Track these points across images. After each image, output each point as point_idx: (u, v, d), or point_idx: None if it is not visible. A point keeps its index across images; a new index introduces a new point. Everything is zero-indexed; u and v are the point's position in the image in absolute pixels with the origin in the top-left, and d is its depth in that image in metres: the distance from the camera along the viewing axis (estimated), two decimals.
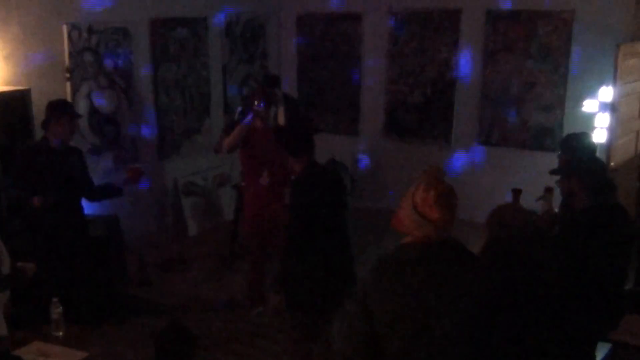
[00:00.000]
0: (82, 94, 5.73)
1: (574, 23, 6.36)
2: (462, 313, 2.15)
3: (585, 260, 3.18)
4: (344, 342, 2.29)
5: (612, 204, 3.43)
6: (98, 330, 4.73)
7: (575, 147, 4.34)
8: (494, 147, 6.96)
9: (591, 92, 6.28)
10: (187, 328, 2.87)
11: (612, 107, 5.81)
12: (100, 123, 5.92)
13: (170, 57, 6.53)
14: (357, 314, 2.26)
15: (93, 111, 5.84)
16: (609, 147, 5.75)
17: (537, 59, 6.58)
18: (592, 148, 4.45)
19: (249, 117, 4.88)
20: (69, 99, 5.57)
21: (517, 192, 4.51)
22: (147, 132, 6.41)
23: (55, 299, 4.19)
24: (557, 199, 3.96)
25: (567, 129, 6.14)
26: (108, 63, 5.91)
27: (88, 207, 5.46)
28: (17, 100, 4.99)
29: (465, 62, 6.97)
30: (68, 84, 5.57)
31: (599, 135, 5.85)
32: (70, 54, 5.54)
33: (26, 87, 5.10)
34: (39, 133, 4.80)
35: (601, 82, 6.12)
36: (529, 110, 6.71)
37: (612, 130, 5.77)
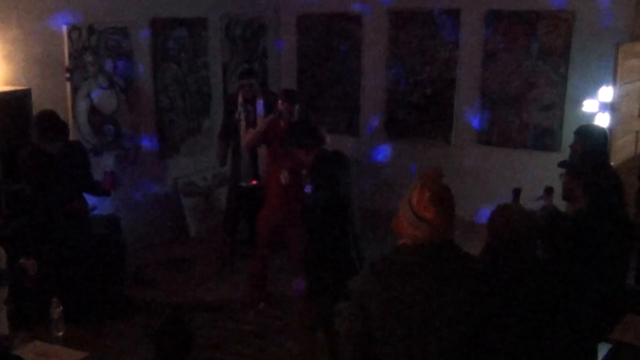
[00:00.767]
0: (82, 94, 5.73)
1: (574, 23, 6.36)
2: (458, 316, 2.14)
3: (583, 261, 3.18)
4: (344, 342, 2.30)
5: (610, 205, 3.43)
6: (98, 330, 4.73)
7: (583, 136, 4.39)
8: (494, 147, 6.96)
9: (591, 92, 6.28)
10: (185, 321, 2.87)
11: (612, 107, 5.81)
12: (100, 123, 5.92)
13: (170, 57, 6.53)
14: (354, 315, 2.27)
15: (93, 111, 5.84)
16: (609, 147, 5.74)
17: (537, 59, 6.59)
18: (603, 138, 4.50)
19: (270, 116, 5.15)
20: (69, 99, 5.58)
21: (517, 192, 4.51)
22: (147, 132, 6.41)
23: (55, 299, 4.19)
24: (557, 198, 3.95)
25: (567, 129, 6.14)
26: (108, 63, 5.90)
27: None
28: (17, 100, 4.99)
29: (465, 62, 6.97)
30: (68, 84, 5.57)
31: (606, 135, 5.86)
32: (70, 54, 5.54)
33: (26, 87, 5.10)
34: None
35: (601, 82, 6.12)
36: (529, 110, 6.72)
37: (612, 130, 5.77)
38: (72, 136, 5.62)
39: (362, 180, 7.64)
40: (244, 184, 5.97)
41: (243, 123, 5.80)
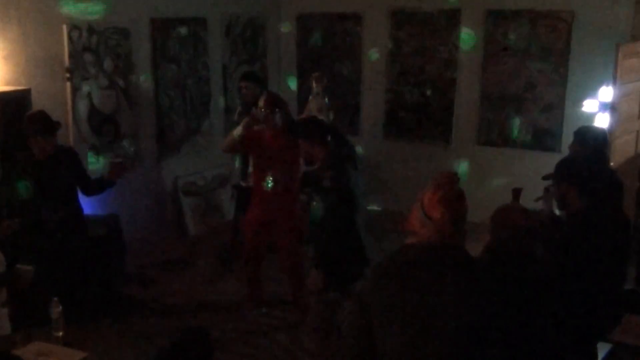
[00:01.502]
0: (82, 94, 5.73)
1: (574, 23, 6.36)
2: (458, 316, 2.15)
3: (580, 262, 3.18)
4: (344, 343, 2.30)
5: (608, 206, 3.42)
6: (98, 330, 4.73)
7: (582, 138, 4.40)
8: (494, 147, 6.96)
9: (591, 92, 6.28)
10: (207, 332, 2.79)
11: (612, 107, 5.81)
12: (100, 123, 5.92)
13: (170, 57, 6.53)
14: (356, 312, 2.27)
15: (93, 111, 5.84)
16: (608, 148, 5.74)
17: (537, 59, 6.59)
18: (597, 142, 4.48)
19: (246, 120, 4.81)
20: (69, 99, 5.58)
21: (517, 192, 4.51)
22: (147, 132, 6.41)
23: (55, 299, 4.18)
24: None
25: (567, 129, 6.14)
26: (108, 63, 5.91)
27: (88, 207, 5.47)
28: (17, 100, 4.99)
29: (465, 62, 6.97)
30: (68, 84, 5.57)
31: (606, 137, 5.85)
32: (70, 54, 5.54)
33: (26, 87, 5.10)
34: None
35: (601, 82, 6.12)
36: (529, 110, 6.72)
37: (612, 130, 5.77)
38: (72, 136, 5.63)
39: (362, 180, 7.64)
40: (242, 184, 5.97)
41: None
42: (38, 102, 5.10)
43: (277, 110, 4.73)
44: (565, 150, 5.36)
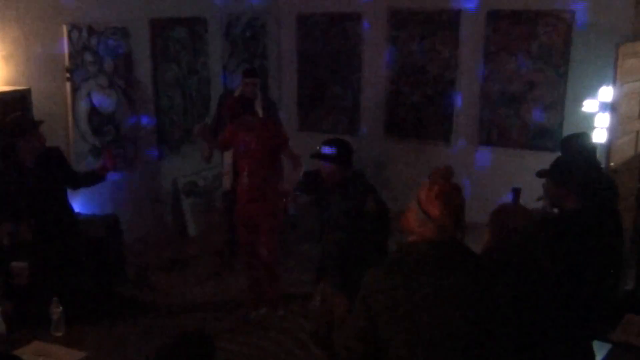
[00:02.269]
0: (82, 94, 5.73)
1: (574, 23, 6.36)
2: (463, 314, 2.15)
3: (576, 262, 3.18)
4: (347, 342, 2.30)
5: (602, 206, 3.42)
6: (98, 330, 4.72)
7: (573, 148, 4.36)
8: (494, 147, 6.96)
9: (591, 92, 6.28)
10: (208, 335, 2.78)
11: (612, 107, 5.81)
12: (100, 123, 5.92)
13: (170, 57, 6.53)
14: (358, 311, 2.27)
15: (93, 111, 5.84)
16: (609, 147, 5.74)
17: (537, 59, 6.59)
18: (590, 149, 4.45)
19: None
20: (69, 99, 5.58)
21: (517, 192, 4.51)
22: (147, 132, 6.41)
23: (55, 299, 4.18)
24: None
25: (567, 129, 6.14)
26: (108, 63, 5.91)
27: (87, 208, 5.48)
28: (17, 100, 4.99)
29: (465, 62, 6.97)
30: (68, 84, 5.57)
31: (599, 135, 5.85)
32: (70, 54, 5.54)
33: (26, 87, 5.10)
34: None
35: (601, 82, 6.11)
36: (529, 110, 6.71)
37: (612, 130, 5.76)
38: (72, 136, 5.64)
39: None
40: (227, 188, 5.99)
41: None
42: (38, 102, 5.10)
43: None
44: None
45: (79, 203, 5.22)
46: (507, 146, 6.88)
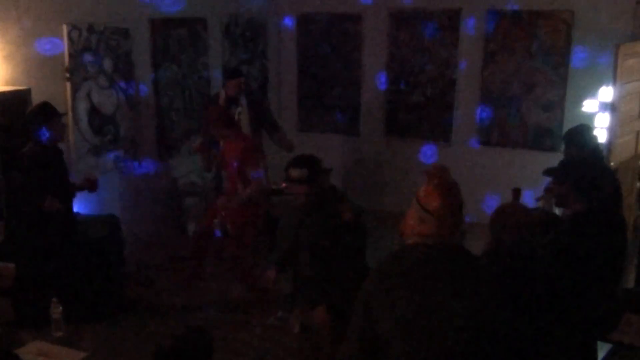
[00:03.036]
0: (82, 94, 5.73)
1: (574, 23, 6.36)
2: (462, 316, 2.15)
3: (580, 260, 3.18)
4: (347, 344, 2.30)
5: (606, 209, 3.42)
6: (98, 330, 4.73)
7: (577, 142, 4.39)
8: (494, 147, 6.96)
9: (591, 92, 6.28)
10: (207, 332, 2.78)
11: (612, 107, 5.81)
12: (100, 123, 5.92)
13: (170, 57, 6.53)
14: (357, 313, 2.27)
15: (93, 111, 5.84)
16: (609, 147, 5.74)
17: (537, 59, 6.59)
18: (593, 144, 4.47)
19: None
20: (69, 99, 5.57)
21: (517, 192, 4.52)
22: (147, 132, 6.41)
23: (55, 299, 4.19)
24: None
25: (567, 129, 6.14)
26: (108, 63, 5.90)
27: (88, 208, 5.47)
28: (17, 100, 4.99)
29: (465, 62, 6.97)
30: (68, 84, 5.57)
31: (599, 135, 5.85)
32: (70, 54, 5.54)
33: (26, 87, 5.10)
34: None
35: (601, 82, 6.12)
36: (529, 110, 6.72)
37: (612, 130, 5.77)
38: (72, 136, 5.63)
39: (362, 180, 7.65)
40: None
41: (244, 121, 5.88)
42: (38, 102, 5.09)
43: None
44: None
45: (79, 203, 5.21)
46: (507, 146, 6.88)
